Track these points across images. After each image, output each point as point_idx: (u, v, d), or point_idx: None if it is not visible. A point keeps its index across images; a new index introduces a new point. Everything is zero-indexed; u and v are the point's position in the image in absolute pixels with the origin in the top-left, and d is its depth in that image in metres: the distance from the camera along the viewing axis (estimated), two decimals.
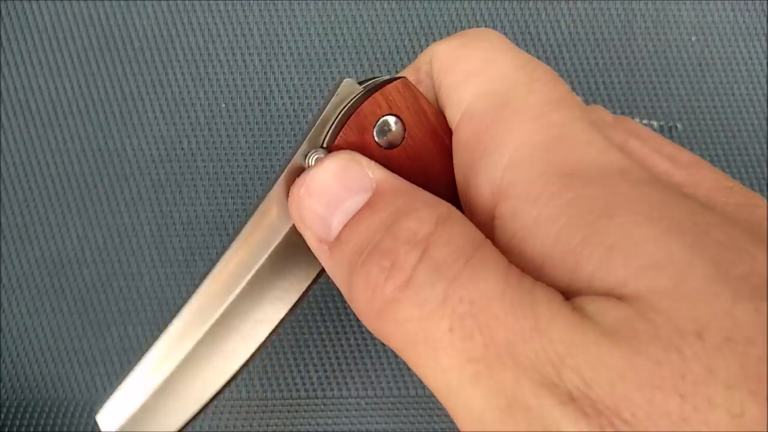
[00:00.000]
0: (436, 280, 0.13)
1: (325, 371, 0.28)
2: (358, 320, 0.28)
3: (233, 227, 0.28)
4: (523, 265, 0.14)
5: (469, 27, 0.29)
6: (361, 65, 0.29)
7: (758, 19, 0.29)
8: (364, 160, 0.16)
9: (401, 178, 0.16)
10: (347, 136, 0.16)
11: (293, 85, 0.28)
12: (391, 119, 0.17)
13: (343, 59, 0.29)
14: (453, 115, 0.17)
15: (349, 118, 0.16)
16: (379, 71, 0.28)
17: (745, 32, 0.29)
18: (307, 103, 0.28)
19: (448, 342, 0.13)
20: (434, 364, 0.13)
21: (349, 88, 0.17)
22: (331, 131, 0.17)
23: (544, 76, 0.16)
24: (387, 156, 0.17)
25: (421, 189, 0.16)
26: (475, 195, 0.16)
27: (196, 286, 0.17)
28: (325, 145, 0.17)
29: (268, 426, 0.27)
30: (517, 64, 0.16)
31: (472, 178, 0.16)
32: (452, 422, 0.28)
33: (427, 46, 0.29)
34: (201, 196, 0.28)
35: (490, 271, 0.13)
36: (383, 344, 0.28)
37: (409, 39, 0.29)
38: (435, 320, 0.13)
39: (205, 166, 0.28)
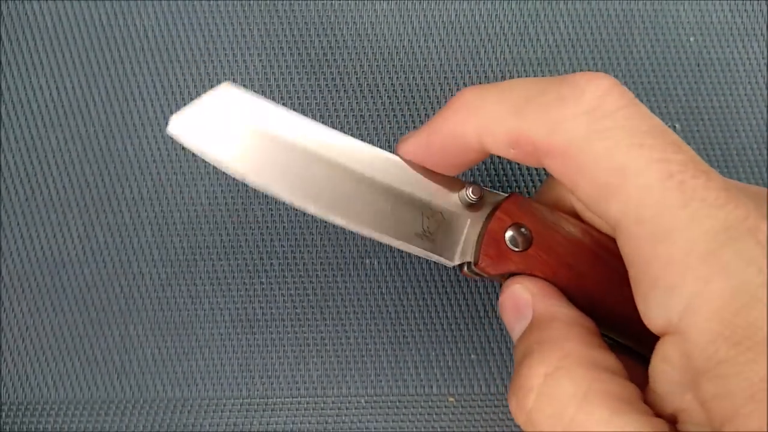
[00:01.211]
0: (547, 425, 0.16)
1: (325, 370, 0.28)
2: (357, 318, 0.28)
3: (233, 227, 0.28)
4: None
5: (469, 27, 0.29)
6: (361, 65, 0.29)
7: (757, 20, 0.30)
8: (531, 287, 0.19)
9: (551, 304, 0.19)
10: (487, 251, 0.20)
11: (293, 84, 0.28)
12: (516, 227, 0.20)
13: (343, 59, 0.29)
14: (600, 220, 0.19)
15: (483, 237, 0.20)
16: (379, 71, 0.29)
17: (744, 33, 0.30)
18: (307, 103, 0.28)
19: None
20: None
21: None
22: (474, 252, 0.21)
23: (695, 184, 0.15)
24: (525, 257, 0.20)
25: (556, 319, 0.18)
26: (644, 310, 0.16)
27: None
28: (473, 261, 0.21)
29: (268, 425, 0.27)
30: (660, 173, 0.15)
31: (641, 299, 0.16)
32: (452, 419, 0.29)
33: (427, 46, 0.29)
34: (201, 196, 0.28)
35: (593, 421, 0.15)
36: (383, 343, 0.28)
37: (409, 39, 0.29)
38: None
39: (205, 166, 0.28)
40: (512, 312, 0.20)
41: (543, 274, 0.20)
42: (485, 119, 0.18)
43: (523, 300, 0.19)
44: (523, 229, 0.20)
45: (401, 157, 0.21)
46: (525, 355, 0.17)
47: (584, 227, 0.20)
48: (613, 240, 0.17)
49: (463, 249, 0.21)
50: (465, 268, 0.21)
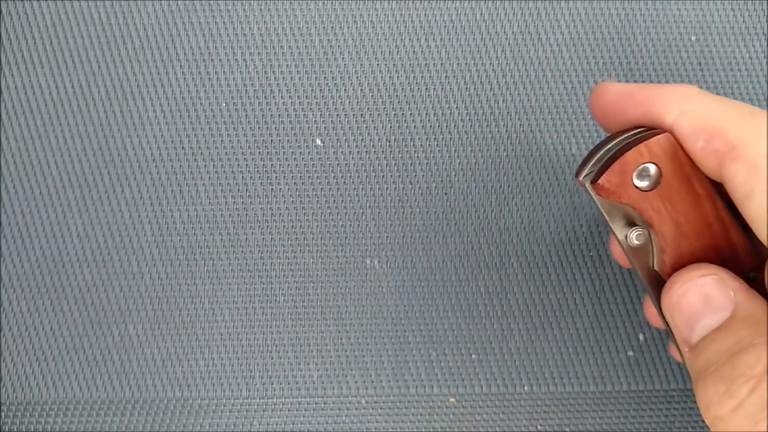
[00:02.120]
0: (760, 415, 0.16)
1: (326, 369, 0.28)
2: (358, 318, 0.28)
3: (233, 226, 0.28)
4: None
5: (469, 27, 0.29)
6: (361, 65, 0.29)
7: (758, 19, 0.29)
8: (729, 280, 0.19)
9: (758, 302, 0.19)
10: (610, 177, 0.20)
11: (293, 84, 0.28)
12: (651, 167, 0.20)
13: (343, 59, 0.29)
14: (740, 191, 0.19)
15: (612, 162, 0.20)
16: (380, 71, 0.29)
17: (745, 32, 0.29)
18: (308, 103, 0.28)
19: None
20: None
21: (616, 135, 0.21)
22: (596, 170, 0.20)
23: None
24: (642, 196, 0.20)
25: (764, 319, 0.19)
26: None
27: None
28: (588, 179, 0.20)
29: (268, 425, 0.27)
30: None
31: None
32: (452, 419, 0.29)
33: (428, 45, 0.29)
34: (201, 195, 0.28)
35: None
36: (383, 343, 0.28)
37: (409, 39, 0.29)
38: None
39: (205, 165, 0.28)
40: (702, 303, 0.19)
41: (648, 219, 0.20)
42: (694, 102, 0.20)
43: (722, 293, 0.19)
44: (653, 171, 0.20)
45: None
46: (741, 348, 0.18)
47: (715, 200, 0.21)
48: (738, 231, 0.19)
49: (599, 157, 0.21)
50: (581, 177, 0.21)
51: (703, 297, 0.19)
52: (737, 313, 0.19)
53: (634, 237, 0.21)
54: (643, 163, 0.20)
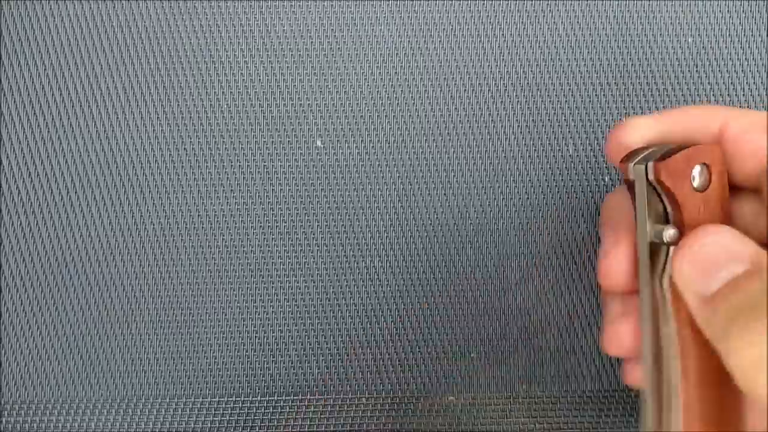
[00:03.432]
0: None
1: (327, 368, 0.28)
2: (358, 318, 0.28)
3: (234, 227, 0.28)
4: None
5: (468, 29, 0.29)
6: (361, 66, 0.29)
7: (755, 21, 0.30)
8: (743, 237, 0.19)
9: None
10: (678, 161, 0.20)
11: (294, 85, 0.29)
12: (704, 168, 0.21)
13: (343, 60, 0.29)
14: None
15: (679, 151, 0.20)
16: (379, 72, 0.29)
17: (742, 33, 0.30)
18: (308, 104, 0.29)
19: None
20: None
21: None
22: (662, 153, 0.21)
23: None
24: (693, 195, 0.21)
25: None
26: None
27: None
28: (650, 159, 0.21)
29: (269, 423, 0.27)
30: None
31: None
32: (452, 419, 0.29)
33: (426, 47, 0.29)
34: (203, 196, 0.28)
35: None
36: (384, 343, 0.28)
37: (409, 40, 0.29)
38: None
39: (207, 167, 0.28)
40: (722, 253, 0.19)
41: (687, 219, 0.21)
42: (735, 113, 0.21)
43: (742, 243, 0.19)
44: (705, 174, 0.21)
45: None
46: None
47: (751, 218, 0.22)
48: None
49: (657, 149, 0.21)
50: (633, 161, 0.21)
51: (722, 247, 0.19)
52: (761, 262, 0.19)
53: (671, 234, 0.21)
54: (703, 162, 0.21)
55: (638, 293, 0.22)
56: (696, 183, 0.21)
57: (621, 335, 0.23)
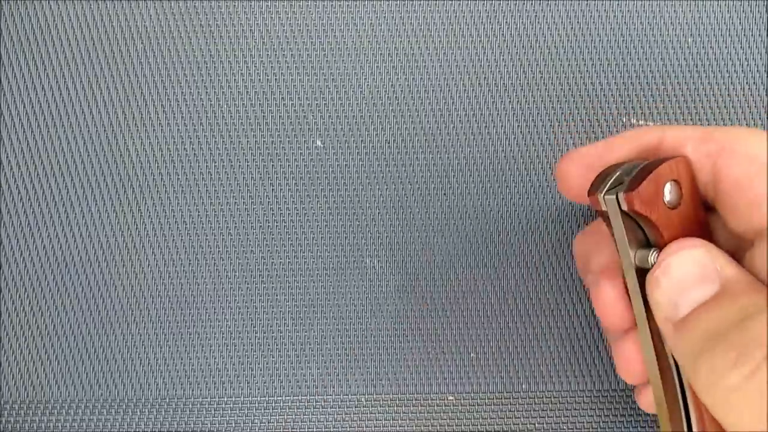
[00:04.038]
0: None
1: (326, 369, 0.28)
2: (358, 318, 0.28)
3: (234, 226, 0.28)
4: None
5: (468, 29, 0.29)
6: (361, 67, 0.29)
7: (755, 21, 0.30)
8: (715, 252, 0.19)
9: (748, 275, 0.19)
10: (648, 186, 0.20)
11: (294, 85, 0.29)
12: (676, 184, 0.20)
13: (343, 61, 0.29)
14: (734, 198, 0.20)
15: (649, 173, 0.20)
16: (379, 73, 0.29)
17: (742, 33, 0.30)
18: (308, 104, 0.29)
19: None
20: None
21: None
22: (628, 182, 0.20)
23: None
24: (669, 214, 0.20)
25: (763, 288, 0.18)
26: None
27: None
28: (619, 190, 0.20)
29: (269, 423, 0.27)
30: None
31: None
32: (452, 419, 0.29)
33: (426, 47, 0.29)
34: (203, 196, 0.28)
35: None
36: (384, 343, 0.28)
37: (409, 40, 0.29)
38: None
39: (207, 167, 0.28)
40: (692, 274, 0.18)
41: (668, 238, 0.20)
42: (673, 127, 0.21)
43: (712, 263, 0.19)
44: (676, 190, 0.20)
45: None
46: (746, 315, 0.17)
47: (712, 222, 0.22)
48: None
49: (623, 173, 0.21)
50: (601, 193, 0.20)
51: (691, 266, 0.19)
52: (731, 283, 0.18)
53: (656, 256, 0.20)
54: (671, 180, 0.20)
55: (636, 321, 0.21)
56: (668, 200, 0.20)
57: (633, 365, 0.22)
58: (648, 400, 0.23)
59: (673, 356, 0.20)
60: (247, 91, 0.28)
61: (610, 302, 0.22)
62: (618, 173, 0.21)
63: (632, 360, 0.22)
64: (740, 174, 0.19)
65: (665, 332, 0.19)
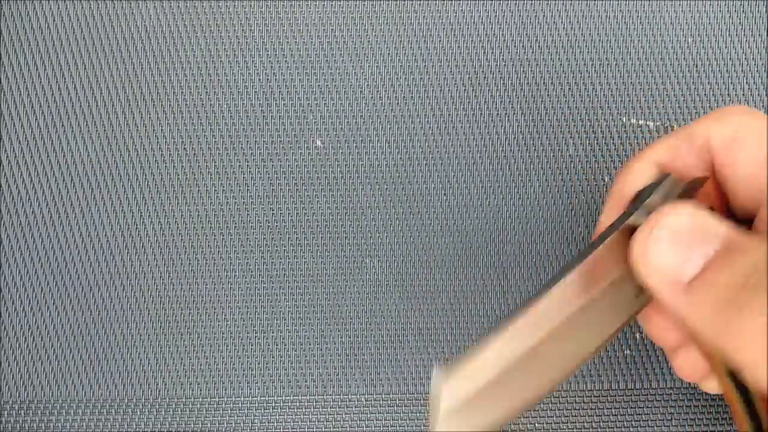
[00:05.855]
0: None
1: (326, 369, 0.28)
2: (358, 318, 0.28)
3: (234, 226, 0.28)
4: None
5: (468, 29, 0.29)
6: (361, 67, 0.29)
7: (755, 20, 0.30)
8: (705, 211, 0.17)
9: (741, 227, 0.17)
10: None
11: (294, 85, 0.29)
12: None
13: (343, 60, 0.29)
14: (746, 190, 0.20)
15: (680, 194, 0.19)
16: (379, 72, 0.29)
17: (742, 33, 0.30)
18: (308, 104, 0.29)
19: None
20: None
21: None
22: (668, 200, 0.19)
23: None
24: None
25: (763, 238, 0.17)
26: None
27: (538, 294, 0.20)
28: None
29: (269, 423, 0.27)
30: None
31: None
32: None
33: (426, 47, 0.29)
34: (203, 195, 0.28)
35: None
36: (383, 343, 0.28)
37: (409, 40, 0.29)
38: None
39: (207, 167, 0.28)
40: (695, 237, 0.17)
41: None
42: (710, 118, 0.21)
43: (707, 223, 0.17)
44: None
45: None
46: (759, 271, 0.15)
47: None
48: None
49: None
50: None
51: (691, 224, 0.17)
52: (731, 240, 0.17)
53: None
54: (710, 207, 0.20)
55: None
56: None
57: (689, 362, 0.21)
58: (677, 364, 0.22)
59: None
60: (247, 91, 0.28)
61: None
62: (655, 197, 0.20)
63: (691, 358, 0.21)
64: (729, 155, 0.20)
65: (665, 296, 0.17)
